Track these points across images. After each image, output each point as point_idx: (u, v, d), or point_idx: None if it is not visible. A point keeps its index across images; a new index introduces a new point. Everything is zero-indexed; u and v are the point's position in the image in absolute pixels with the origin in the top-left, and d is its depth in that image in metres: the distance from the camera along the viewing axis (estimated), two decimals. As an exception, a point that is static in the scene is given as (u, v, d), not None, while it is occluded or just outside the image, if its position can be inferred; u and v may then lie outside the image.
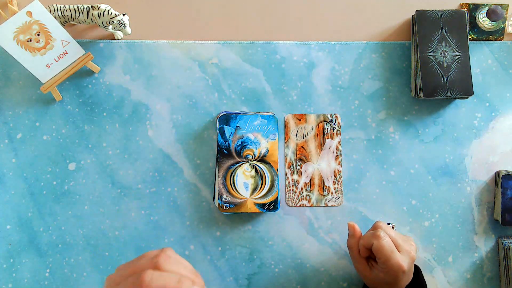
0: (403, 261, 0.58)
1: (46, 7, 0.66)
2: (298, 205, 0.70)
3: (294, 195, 0.70)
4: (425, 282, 0.63)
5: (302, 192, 0.71)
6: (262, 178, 0.68)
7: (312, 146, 0.71)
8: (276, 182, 0.68)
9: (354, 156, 0.71)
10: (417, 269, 0.63)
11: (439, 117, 0.72)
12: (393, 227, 0.65)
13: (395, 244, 0.59)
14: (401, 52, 0.73)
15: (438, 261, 0.70)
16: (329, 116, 0.72)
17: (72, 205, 0.69)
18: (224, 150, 0.68)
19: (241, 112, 0.70)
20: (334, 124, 0.71)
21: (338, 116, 0.72)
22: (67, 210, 0.69)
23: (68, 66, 0.68)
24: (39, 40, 0.66)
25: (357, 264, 0.62)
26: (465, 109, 0.72)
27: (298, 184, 0.71)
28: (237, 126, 0.69)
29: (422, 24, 0.69)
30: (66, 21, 0.68)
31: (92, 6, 0.67)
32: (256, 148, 0.69)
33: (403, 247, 0.59)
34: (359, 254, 0.61)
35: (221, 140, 0.69)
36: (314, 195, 0.71)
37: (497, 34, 0.73)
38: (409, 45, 0.73)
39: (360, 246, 0.61)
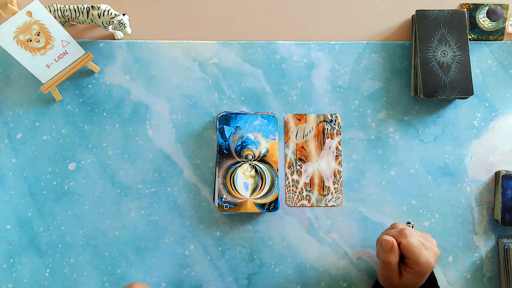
0: (431, 257, 0.57)
1: (46, 7, 0.66)
2: (298, 205, 0.70)
3: (294, 195, 0.70)
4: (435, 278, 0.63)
5: (302, 192, 0.71)
6: (262, 178, 0.68)
7: (312, 146, 0.71)
8: (276, 182, 0.68)
9: (354, 156, 0.71)
10: None
11: (439, 117, 0.72)
12: (412, 226, 0.64)
13: None
14: (401, 52, 0.73)
15: (438, 261, 0.70)
16: (329, 116, 0.72)
17: (72, 205, 0.69)
18: (224, 150, 0.68)
19: (241, 112, 0.70)
20: (334, 124, 0.71)
21: (338, 116, 0.72)
22: (67, 210, 0.69)
23: (68, 66, 0.68)
24: (39, 40, 0.66)
25: (389, 274, 0.59)
26: (465, 109, 0.72)
27: (298, 184, 0.71)
28: (237, 126, 0.69)
29: (422, 24, 0.69)
30: (66, 21, 0.68)
31: (92, 6, 0.67)
32: (256, 148, 0.69)
33: (426, 244, 0.59)
34: (397, 265, 0.59)
35: (221, 140, 0.69)
36: (314, 195, 0.71)
37: (497, 34, 0.73)
38: (409, 45, 0.73)
39: (384, 248, 0.59)
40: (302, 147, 0.71)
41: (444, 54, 0.69)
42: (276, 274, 0.70)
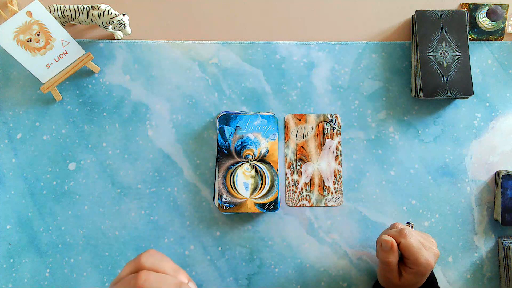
0: (431, 257, 0.57)
1: (46, 7, 0.66)
2: (298, 205, 0.70)
3: (294, 195, 0.70)
4: (435, 279, 0.63)
5: (302, 192, 0.71)
6: (262, 178, 0.68)
7: (312, 146, 0.71)
8: (276, 182, 0.68)
9: (354, 156, 0.71)
10: None
11: (439, 117, 0.72)
12: (412, 226, 0.64)
13: None
14: (401, 52, 0.73)
15: (438, 261, 0.70)
16: (329, 116, 0.72)
17: (72, 205, 0.69)
18: (224, 150, 0.68)
19: (241, 112, 0.70)
20: (334, 124, 0.71)
21: (338, 116, 0.72)
22: (67, 210, 0.69)
23: (68, 66, 0.68)
24: (39, 40, 0.66)
25: (389, 274, 0.59)
26: (465, 109, 0.72)
27: (298, 184, 0.71)
28: (237, 126, 0.69)
29: (422, 24, 0.69)
30: (66, 21, 0.68)
31: (92, 6, 0.67)
32: (256, 148, 0.69)
33: (425, 244, 0.59)
34: (397, 265, 0.59)
35: (221, 140, 0.69)
36: (314, 195, 0.71)
37: (497, 34, 0.73)
38: (409, 45, 0.73)
39: (383, 248, 0.59)
40: (302, 147, 0.71)
41: (444, 54, 0.69)
42: (276, 274, 0.70)
